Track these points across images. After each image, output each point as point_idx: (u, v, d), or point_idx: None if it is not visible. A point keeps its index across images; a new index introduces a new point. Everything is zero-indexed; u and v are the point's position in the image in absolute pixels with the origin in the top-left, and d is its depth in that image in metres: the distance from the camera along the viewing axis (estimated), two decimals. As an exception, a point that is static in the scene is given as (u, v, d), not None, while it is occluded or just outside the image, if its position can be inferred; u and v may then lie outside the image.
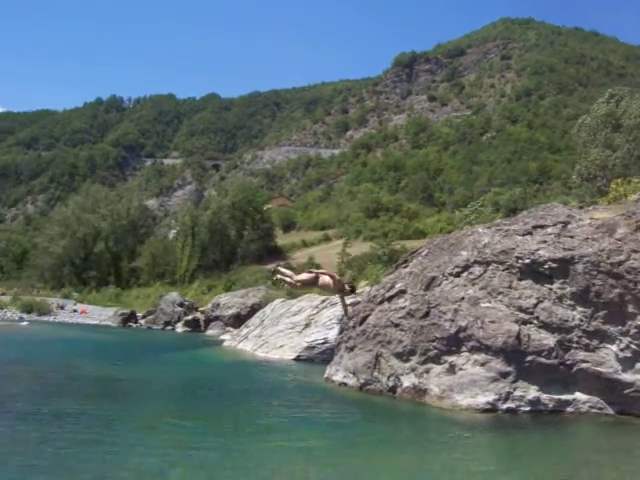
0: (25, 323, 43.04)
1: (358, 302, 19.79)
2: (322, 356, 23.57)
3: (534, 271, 14.84)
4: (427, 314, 15.31)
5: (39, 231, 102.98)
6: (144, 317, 50.71)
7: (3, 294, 66.55)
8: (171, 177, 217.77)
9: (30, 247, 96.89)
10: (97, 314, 53.79)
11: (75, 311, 55.62)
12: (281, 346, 26.39)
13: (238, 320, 40.59)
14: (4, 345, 26.69)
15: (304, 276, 14.94)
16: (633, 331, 13.95)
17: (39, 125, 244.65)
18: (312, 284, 14.98)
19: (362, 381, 16.26)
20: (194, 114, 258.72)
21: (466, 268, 15.57)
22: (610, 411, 13.58)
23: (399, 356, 15.54)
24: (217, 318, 43.69)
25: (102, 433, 10.45)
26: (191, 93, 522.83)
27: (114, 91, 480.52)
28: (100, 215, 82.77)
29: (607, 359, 13.82)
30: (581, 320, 14.14)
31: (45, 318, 49.54)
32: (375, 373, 16.04)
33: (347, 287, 15.18)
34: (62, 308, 56.14)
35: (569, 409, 13.70)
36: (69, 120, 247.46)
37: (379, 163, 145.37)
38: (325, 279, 14.75)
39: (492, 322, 14.31)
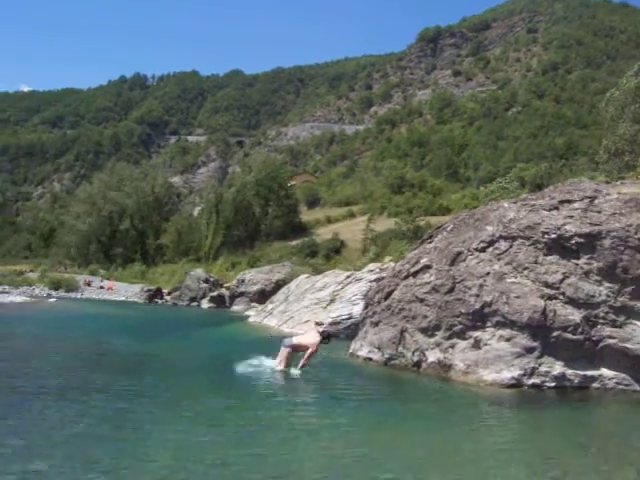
0: (53, 299, 43.57)
1: (383, 277, 19.80)
2: (347, 331, 23.65)
3: (560, 246, 14.74)
4: (452, 289, 15.28)
5: (65, 209, 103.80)
6: (169, 293, 51.10)
7: (31, 271, 67.49)
8: (195, 154, 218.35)
9: (57, 225, 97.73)
10: (123, 291, 54.32)
11: (102, 288, 56.20)
12: (306, 321, 26.52)
13: (263, 296, 40.79)
14: (33, 321, 27.06)
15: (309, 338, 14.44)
16: (661, 307, 13.85)
17: (64, 103, 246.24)
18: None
19: (387, 356, 16.31)
20: (218, 91, 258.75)
21: (491, 243, 15.50)
22: (637, 388, 13.50)
23: (424, 331, 15.56)
24: (242, 294, 43.91)
25: (127, 409, 10.60)
26: (215, 70, 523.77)
27: (138, 69, 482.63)
28: (125, 193, 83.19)
29: (634, 335, 13.72)
30: (608, 296, 14.04)
31: (72, 295, 50.13)
32: (400, 348, 16.07)
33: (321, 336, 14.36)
34: (89, 285, 56.77)
35: (595, 385, 13.65)
36: (93, 98, 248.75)
37: (403, 139, 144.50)
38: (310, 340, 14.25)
39: (517, 297, 14.25)
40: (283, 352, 14.16)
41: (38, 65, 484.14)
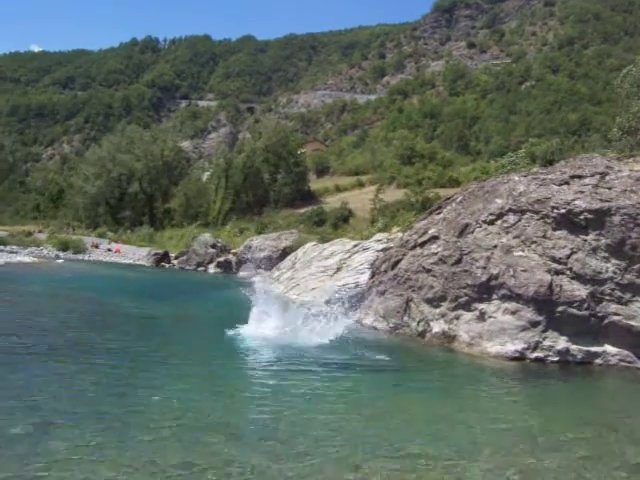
0: (61, 261, 43.74)
1: (390, 247, 19.83)
2: (353, 300, 23.73)
3: (569, 221, 14.73)
4: (459, 261, 15.32)
5: (75, 171, 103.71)
6: (177, 258, 51.21)
7: (40, 232, 67.69)
8: (206, 119, 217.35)
9: (66, 186, 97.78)
10: (131, 253, 54.46)
11: (109, 250, 56.36)
12: (312, 289, 26.62)
13: (270, 263, 40.90)
14: (40, 281, 27.22)
15: None
16: (667, 285, 13.86)
17: (75, 65, 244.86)
18: None
19: (392, 325, 16.41)
20: (230, 56, 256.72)
21: (500, 216, 15.50)
22: (639, 365, 13.57)
23: (429, 302, 15.63)
24: (249, 260, 44.03)
25: (130, 367, 10.79)
26: (227, 34, 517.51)
27: (149, 32, 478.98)
28: (134, 156, 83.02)
29: (639, 313, 13.75)
30: (614, 273, 14.05)
31: (80, 256, 50.29)
32: (405, 318, 16.17)
33: None
34: (97, 247, 56.93)
35: (598, 361, 13.71)
36: (104, 60, 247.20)
37: (415, 110, 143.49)
38: None
39: (524, 271, 14.28)
40: None
41: (49, 25, 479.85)
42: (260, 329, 14.56)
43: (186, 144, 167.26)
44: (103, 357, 11.29)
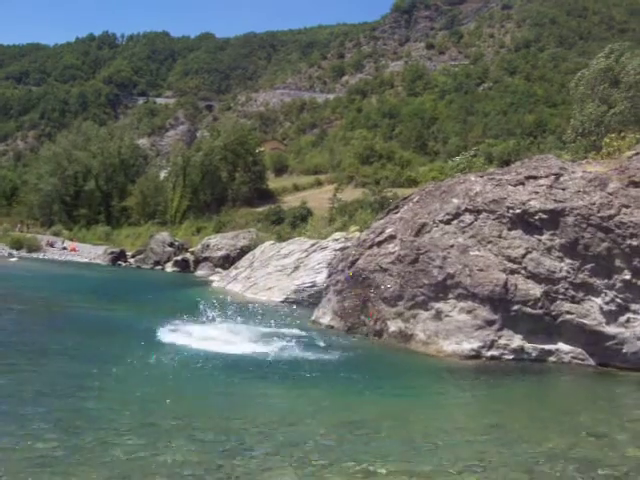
0: (14, 259, 42.96)
1: (348, 246, 19.84)
2: (310, 299, 23.75)
3: (524, 221, 14.90)
4: (416, 260, 15.39)
5: (29, 168, 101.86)
6: (134, 256, 50.69)
7: (-7, 229, 66.31)
8: (164, 117, 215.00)
9: (20, 184, 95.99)
10: (87, 252, 53.72)
11: (65, 249, 55.47)
12: (270, 288, 26.56)
13: (227, 261, 40.79)
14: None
15: None
16: (619, 285, 14.10)
17: (29, 59, 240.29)
18: None
19: (349, 324, 16.42)
20: (188, 53, 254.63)
21: (457, 216, 15.60)
22: (591, 362, 13.81)
23: (386, 301, 15.67)
24: (206, 259, 43.81)
25: (78, 367, 10.63)
26: (186, 31, 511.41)
27: (107, 27, 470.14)
28: (91, 153, 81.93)
29: (592, 311, 13.98)
30: (568, 272, 14.26)
31: (35, 255, 49.44)
32: (362, 317, 16.19)
33: None
34: (52, 245, 55.98)
35: (552, 359, 13.92)
36: (60, 55, 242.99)
37: (374, 109, 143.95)
38: None
39: (480, 270, 14.41)
40: None
41: (2, 18, 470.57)
42: (201, 332, 14.32)
43: (144, 141, 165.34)
44: (51, 358, 11.12)
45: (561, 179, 15.54)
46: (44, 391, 8.92)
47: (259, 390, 10.19)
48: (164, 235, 50.87)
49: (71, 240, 61.76)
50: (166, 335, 13.92)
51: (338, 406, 9.68)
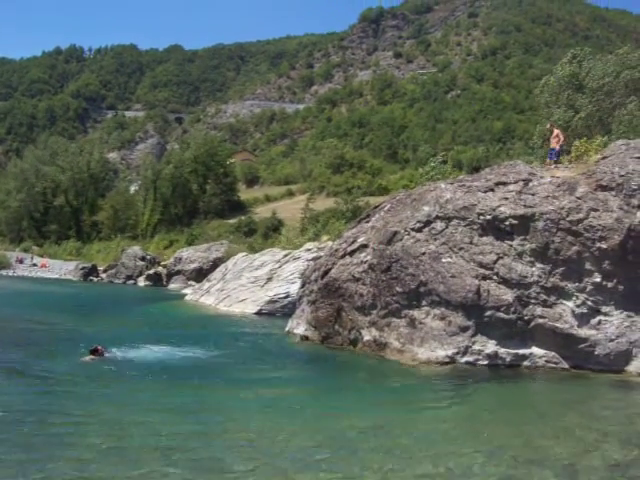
0: (-19, 277, 42.43)
1: (320, 256, 19.82)
2: (284, 310, 23.71)
3: (495, 227, 14.97)
4: (388, 268, 15.38)
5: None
6: (105, 271, 50.29)
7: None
8: (133, 130, 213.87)
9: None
10: (58, 268, 53.18)
11: (35, 265, 54.86)
12: (243, 300, 26.44)
13: (200, 274, 40.56)
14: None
15: None
16: (589, 288, 14.22)
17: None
18: None
19: (323, 334, 16.38)
20: (157, 65, 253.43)
21: (428, 223, 15.63)
22: (565, 365, 13.89)
23: (360, 310, 15.65)
24: (179, 272, 43.59)
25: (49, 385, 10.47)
26: (154, 44, 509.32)
27: (73, 40, 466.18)
28: (59, 168, 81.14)
29: (563, 315, 14.08)
30: (540, 276, 14.34)
31: (4, 272, 48.84)
32: (336, 326, 16.15)
33: None
34: (21, 262, 55.32)
35: (526, 363, 13.98)
36: (27, 69, 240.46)
37: (344, 119, 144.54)
38: None
39: (453, 277, 14.44)
40: None
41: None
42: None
43: (113, 155, 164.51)
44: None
45: (530, 184, 15.65)
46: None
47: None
48: (135, 249, 50.53)
49: (41, 256, 61.06)
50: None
51: (315, 418, 9.63)
